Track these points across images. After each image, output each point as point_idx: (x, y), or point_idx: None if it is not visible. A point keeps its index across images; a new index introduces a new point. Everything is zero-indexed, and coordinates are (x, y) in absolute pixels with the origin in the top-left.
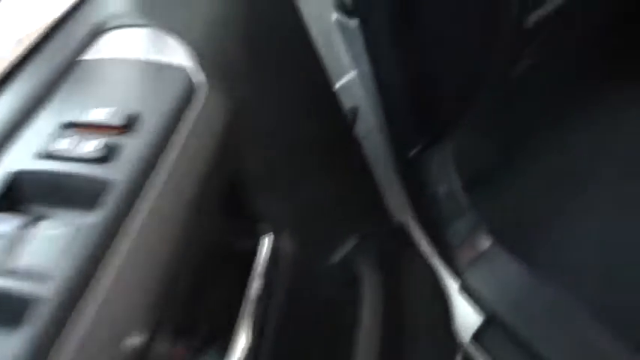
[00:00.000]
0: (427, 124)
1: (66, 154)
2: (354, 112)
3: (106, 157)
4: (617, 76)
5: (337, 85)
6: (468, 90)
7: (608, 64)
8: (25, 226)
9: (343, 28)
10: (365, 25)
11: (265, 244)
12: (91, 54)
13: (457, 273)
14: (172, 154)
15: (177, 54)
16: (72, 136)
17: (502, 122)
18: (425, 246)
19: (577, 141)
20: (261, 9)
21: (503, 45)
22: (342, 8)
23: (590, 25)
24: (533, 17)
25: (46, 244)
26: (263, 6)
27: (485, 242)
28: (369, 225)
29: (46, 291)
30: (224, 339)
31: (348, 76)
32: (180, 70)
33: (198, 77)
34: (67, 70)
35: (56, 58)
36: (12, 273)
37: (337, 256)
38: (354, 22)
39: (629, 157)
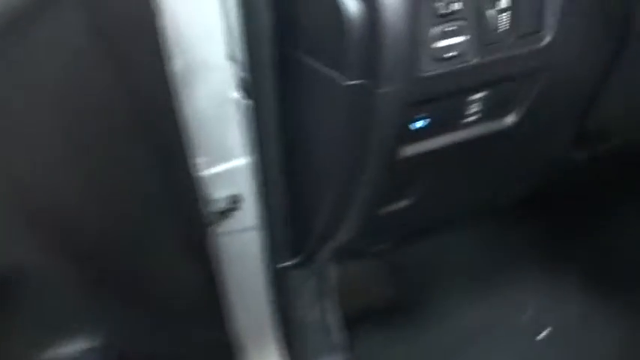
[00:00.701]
0: (305, 234)
1: None
2: (234, 200)
3: None
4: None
5: (222, 168)
6: (342, 210)
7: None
8: None
9: (239, 108)
10: (254, 106)
11: None
12: None
13: None
14: None
15: None
16: None
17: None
18: None
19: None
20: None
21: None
22: (241, 86)
23: None
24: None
25: None
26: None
27: None
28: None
29: None
30: None
31: (239, 161)
32: None
33: None
34: None
35: None
36: None
37: None
38: (248, 103)
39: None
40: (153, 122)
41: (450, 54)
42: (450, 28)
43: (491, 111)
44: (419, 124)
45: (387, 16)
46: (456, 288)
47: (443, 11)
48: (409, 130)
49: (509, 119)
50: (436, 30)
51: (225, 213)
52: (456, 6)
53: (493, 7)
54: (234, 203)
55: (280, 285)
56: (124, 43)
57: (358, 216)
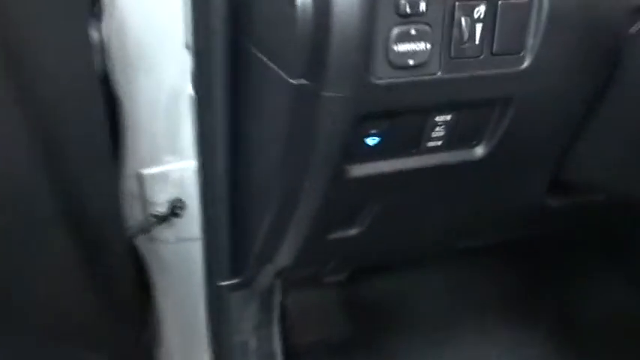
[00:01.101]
0: (245, 253)
1: None
2: (176, 206)
3: None
4: None
5: (165, 169)
6: (280, 230)
7: None
8: None
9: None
10: (200, 102)
11: None
12: None
13: None
14: None
15: None
16: None
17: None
18: None
19: None
20: None
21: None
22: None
23: None
24: None
25: None
26: None
27: None
28: None
29: None
30: None
31: (188, 163)
32: None
33: None
34: None
35: None
36: None
37: None
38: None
39: None
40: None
41: (410, 62)
42: (412, 32)
43: (456, 138)
44: (370, 140)
45: (338, 7)
46: (417, 331)
47: (406, 10)
48: (359, 146)
49: (478, 151)
50: (395, 31)
51: (165, 219)
52: (422, 6)
53: (467, 14)
54: (175, 209)
55: (220, 305)
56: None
57: (298, 239)
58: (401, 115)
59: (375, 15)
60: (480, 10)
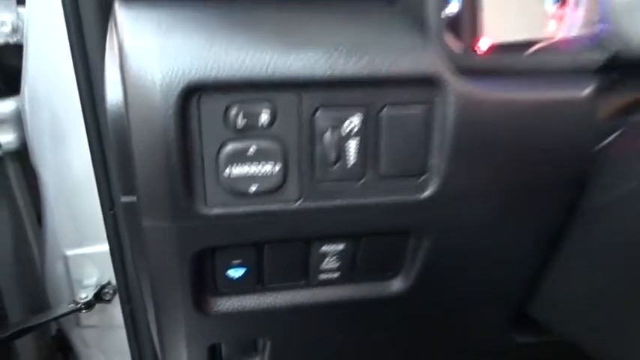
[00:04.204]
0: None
1: None
2: (103, 290)
3: None
4: None
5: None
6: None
7: None
8: None
9: None
10: None
11: None
12: None
13: None
14: None
15: None
16: None
17: None
18: None
19: None
20: None
21: None
22: None
23: None
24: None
25: None
26: None
27: None
28: None
29: None
30: None
31: None
32: None
33: None
34: None
35: None
36: None
37: None
38: None
39: None
40: None
41: (251, 188)
42: (251, 150)
43: (361, 270)
44: (234, 272)
45: (135, 124)
46: None
47: (237, 124)
48: (222, 279)
49: (395, 284)
50: (227, 150)
51: (90, 305)
52: (264, 118)
53: (334, 127)
54: (103, 295)
55: None
56: None
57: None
58: (264, 245)
59: (197, 129)
60: (354, 122)
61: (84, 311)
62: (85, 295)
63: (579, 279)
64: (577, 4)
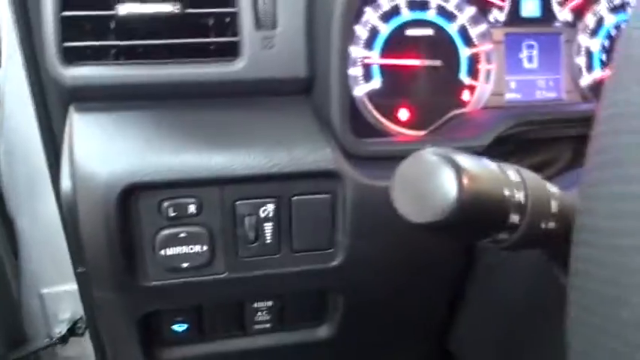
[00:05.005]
0: None
1: None
2: (77, 324)
3: None
4: None
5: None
6: None
7: None
8: None
9: None
10: None
11: None
12: None
13: None
14: None
15: None
16: None
17: None
18: None
19: None
20: None
21: None
22: None
23: None
24: None
25: None
26: None
27: None
28: None
29: None
30: None
31: None
32: None
33: None
34: None
35: None
36: None
37: None
38: None
39: None
40: None
41: (183, 265)
42: (182, 235)
43: (289, 320)
44: (178, 327)
45: (87, 205)
46: None
47: (169, 214)
48: (168, 333)
49: (322, 331)
50: (162, 235)
51: (65, 339)
52: (191, 209)
53: (251, 213)
54: (77, 329)
55: None
56: None
57: None
58: (199, 306)
59: (136, 219)
60: (269, 209)
61: (58, 345)
62: (59, 330)
63: (484, 320)
64: (487, 78)
